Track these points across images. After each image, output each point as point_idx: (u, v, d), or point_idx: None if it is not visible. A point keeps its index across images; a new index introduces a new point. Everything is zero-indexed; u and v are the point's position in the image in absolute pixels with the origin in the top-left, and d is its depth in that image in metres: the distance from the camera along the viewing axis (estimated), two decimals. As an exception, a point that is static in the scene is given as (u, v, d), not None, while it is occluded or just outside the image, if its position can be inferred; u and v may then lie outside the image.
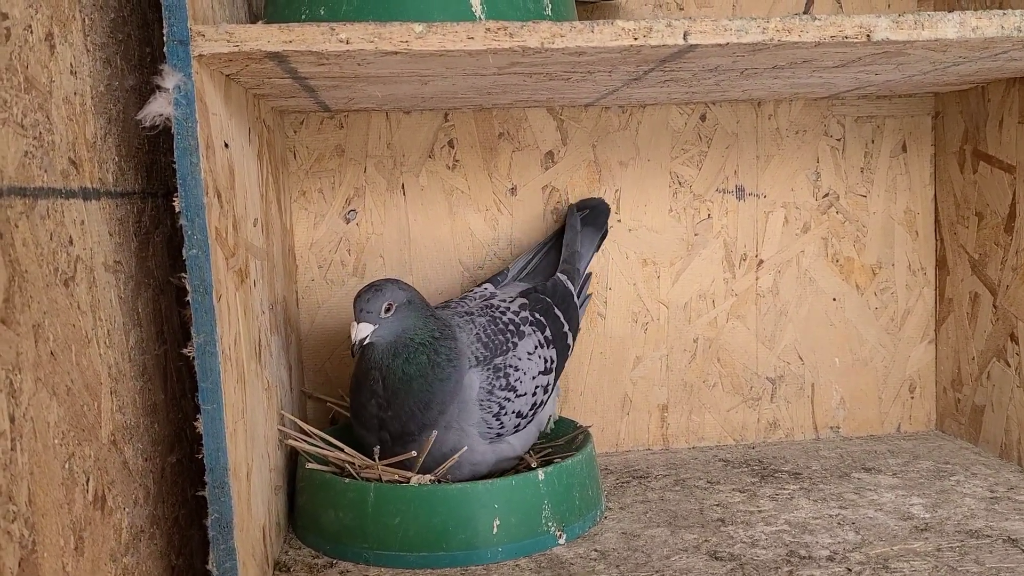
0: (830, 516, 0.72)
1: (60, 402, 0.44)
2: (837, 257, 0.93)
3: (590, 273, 0.85)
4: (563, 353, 0.77)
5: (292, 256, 0.86)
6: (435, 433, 0.67)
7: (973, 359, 0.88)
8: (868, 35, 0.54)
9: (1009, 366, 0.83)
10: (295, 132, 0.86)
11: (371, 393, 0.69)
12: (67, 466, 0.44)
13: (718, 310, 0.92)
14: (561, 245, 0.83)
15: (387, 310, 0.68)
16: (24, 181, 0.41)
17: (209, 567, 0.53)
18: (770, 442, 0.94)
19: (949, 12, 0.54)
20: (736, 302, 0.93)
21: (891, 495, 0.77)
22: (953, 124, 0.89)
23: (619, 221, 0.90)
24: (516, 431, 0.72)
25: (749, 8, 0.89)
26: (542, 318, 0.75)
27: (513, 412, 0.71)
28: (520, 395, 0.71)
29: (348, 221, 0.87)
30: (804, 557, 0.65)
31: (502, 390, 0.70)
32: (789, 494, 0.78)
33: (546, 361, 0.74)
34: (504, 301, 0.76)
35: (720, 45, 0.54)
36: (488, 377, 0.70)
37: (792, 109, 0.91)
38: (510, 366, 0.71)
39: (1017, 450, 0.83)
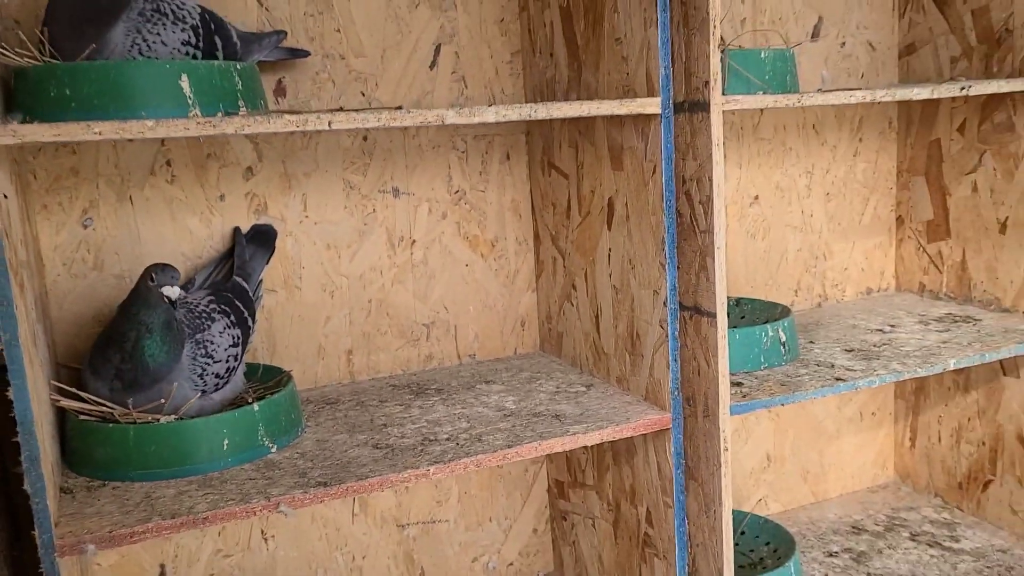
0: (455, 414, 1.10)
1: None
2: (467, 235, 1.31)
3: (262, 279, 1.16)
4: (246, 332, 1.07)
5: (39, 257, 1.07)
6: (176, 383, 0.96)
7: (555, 301, 1.31)
8: (443, 120, 0.90)
9: (573, 306, 1.26)
10: (34, 158, 1.06)
11: (118, 348, 0.94)
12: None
13: (385, 278, 1.27)
14: (233, 258, 1.13)
15: (179, 284, 0.95)
16: None
17: (25, 487, 0.78)
18: (427, 370, 1.31)
19: (489, 107, 0.91)
20: (398, 272, 1.27)
21: (497, 397, 1.17)
22: (537, 142, 1.30)
23: (307, 217, 1.21)
24: (217, 389, 1.01)
25: (393, 57, 1.22)
26: (227, 308, 1.05)
27: (212, 374, 1.00)
28: (217, 361, 1.01)
29: (86, 227, 1.10)
30: (432, 440, 1.02)
31: (203, 357, 0.99)
32: (432, 404, 1.15)
33: (234, 337, 1.04)
34: (196, 299, 1.05)
35: (352, 128, 0.86)
36: (192, 348, 0.99)
37: (429, 131, 1.26)
38: (207, 340, 1.00)
39: (579, 360, 1.26)
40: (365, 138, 1.22)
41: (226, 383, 1.02)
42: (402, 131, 1.25)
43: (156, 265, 0.95)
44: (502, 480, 1.38)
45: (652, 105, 0.99)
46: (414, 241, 1.28)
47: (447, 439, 1.02)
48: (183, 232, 1.15)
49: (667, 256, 1.03)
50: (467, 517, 1.36)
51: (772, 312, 1.32)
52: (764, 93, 1.14)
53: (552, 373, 1.26)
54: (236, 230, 1.15)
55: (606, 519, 1.24)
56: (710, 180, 1.01)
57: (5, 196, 0.80)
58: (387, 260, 1.27)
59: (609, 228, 1.14)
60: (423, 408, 1.13)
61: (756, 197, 1.48)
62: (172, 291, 0.93)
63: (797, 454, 1.58)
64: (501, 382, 1.23)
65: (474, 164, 1.30)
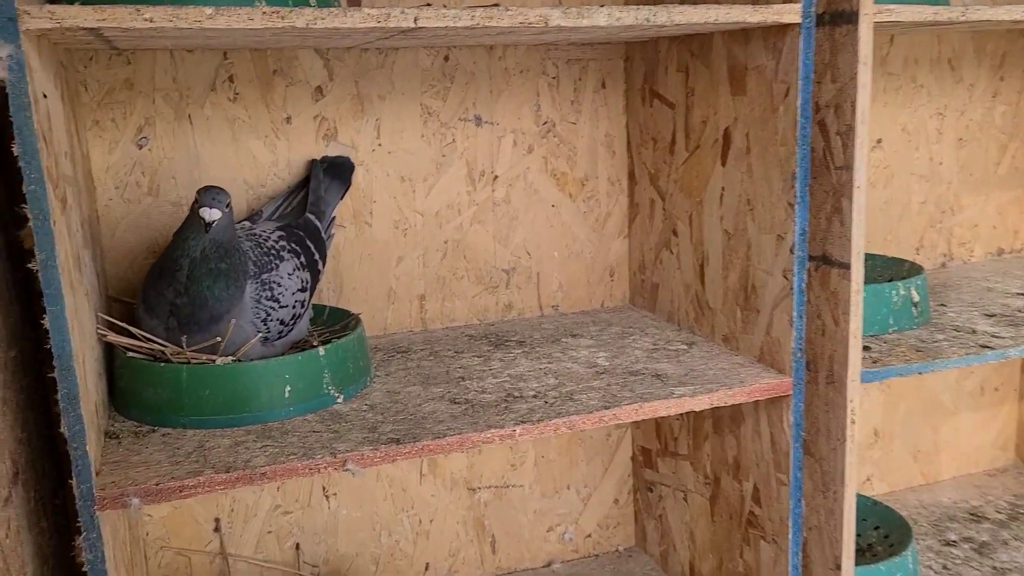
0: (540, 369, 0.98)
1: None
2: (555, 172, 1.18)
3: (335, 216, 1.04)
4: (315, 276, 0.95)
5: (90, 178, 0.97)
6: (234, 321, 0.85)
7: (651, 249, 1.17)
8: (546, 22, 0.76)
9: (672, 254, 1.12)
10: (85, 67, 0.96)
11: (171, 280, 0.83)
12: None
13: (463, 217, 1.14)
14: (307, 192, 1.01)
15: (227, 205, 0.83)
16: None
17: (62, 430, 0.68)
18: (506, 320, 1.19)
19: (601, 7, 0.77)
20: (477, 210, 1.15)
21: (586, 352, 1.04)
22: (638, 68, 1.15)
23: (380, 145, 1.09)
24: (280, 337, 0.90)
25: (481, -32, 1.08)
26: (297, 247, 0.93)
27: (277, 320, 0.89)
28: (283, 306, 0.89)
29: (141, 147, 0.99)
30: (517, 396, 0.90)
31: (268, 300, 0.88)
32: (514, 357, 1.03)
33: (302, 281, 0.92)
34: (264, 232, 0.93)
35: (441, 27, 0.73)
36: (256, 288, 0.87)
37: (517, 52, 1.13)
38: (274, 282, 0.89)
39: (677, 316, 1.13)
40: (447, 58, 1.09)
41: (290, 331, 0.91)
42: (487, 51, 1.11)
43: (204, 188, 0.84)
44: (582, 444, 1.26)
45: (791, 12, 0.83)
46: (496, 177, 1.15)
47: (534, 396, 0.89)
48: (246, 156, 1.04)
49: (797, 195, 0.88)
50: (543, 483, 1.25)
51: (898, 269, 1.16)
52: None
53: (646, 329, 1.13)
54: (313, 162, 1.04)
55: (701, 493, 1.11)
56: (853, 106, 0.85)
57: (45, 95, 0.70)
58: (466, 197, 1.14)
59: (723, 163, 0.99)
60: (504, 361, 1.01)
61: (879, 140, 1.31)
62: (210, 213, 0.82)
63: (908, 430, 1.43)
64: (589, 336, 1.11)
65: (565, 92, 1.16)
